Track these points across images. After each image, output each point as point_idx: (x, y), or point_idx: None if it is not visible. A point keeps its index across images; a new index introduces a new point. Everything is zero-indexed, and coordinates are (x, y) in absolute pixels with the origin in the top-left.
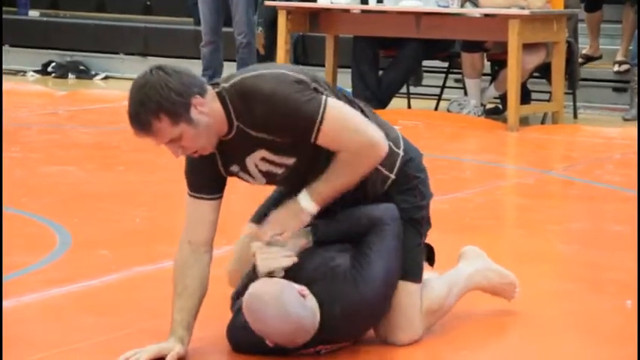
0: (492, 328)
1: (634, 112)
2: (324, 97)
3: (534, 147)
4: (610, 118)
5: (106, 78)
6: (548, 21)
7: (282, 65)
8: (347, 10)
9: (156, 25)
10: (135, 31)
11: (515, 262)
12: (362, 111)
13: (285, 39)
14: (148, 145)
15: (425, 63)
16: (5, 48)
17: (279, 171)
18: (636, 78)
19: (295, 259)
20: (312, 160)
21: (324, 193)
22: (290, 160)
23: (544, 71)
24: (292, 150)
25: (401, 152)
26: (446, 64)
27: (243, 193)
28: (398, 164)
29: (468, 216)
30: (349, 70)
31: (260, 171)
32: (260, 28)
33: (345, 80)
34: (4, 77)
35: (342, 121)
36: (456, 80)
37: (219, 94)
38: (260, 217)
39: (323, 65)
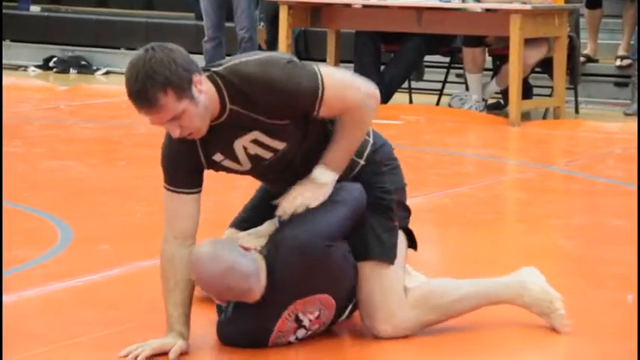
0: (491, 322)
1: (635, 106)
2: (315, 67)
3: (536, 142)
4: (611, 113)
5: (107, 73)
6: (549, 16)
7: (263, 52)
8: (348, 5)
9: (157, 20)
10: (136, 26)
11: (517, 257)
12: None
13: (287, 34)
14: (149, 140)
15: (426, 58)
16: (6, 43)
17: (268, 155)
18: (637, 73)
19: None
20: (300, 149)
21: (338, 158)
22: (281, 145)
23: (546, 66)
24: (285, 134)
25: (370, 140)
26: (447, 59)
27: (244, 192)
28: (367, 151)
29: (469, 211)
30: (351, 64)
31: (248, 154)
32: (262, 23)
33: None
34: (6, 72)
35: (340, 82)
36: (458, 75)
37: (211, 78)
38: (240, 223)
39: (325, 60)
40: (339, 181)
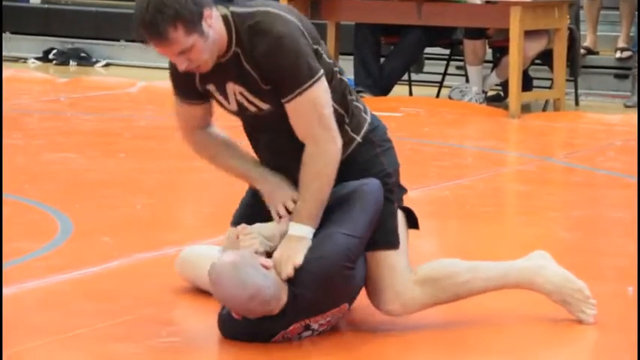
0: (491, 314)
1: (635, 98)
2: (320, 73)
3: (536, 134)
4: (611, 105)
5: (107, 65)
6: (549, 8)
7: (290, 9)
8: None
9: None
10: None
11: (517, 249)
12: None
13: None
14: (149, 133)
15: (426, 50)
16: (6, 35)
17: (252, 109)
18: (636, 64)
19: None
20: (281, 118)
21: (307, 211)
22: (264, 105)
23: (546, 58)
24: (269, 98)
25: (368, 119)
26: (447, 51)
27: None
28: (364, 129)
29: (469, 203)
30: (351, 57)
31: (236, 99)
32: None
33: (346, 67)
34: (5, 64)
35: (322, 102)
36: (458, 67)
37: (225, 17)
38: (239, 222)
39: None
40: (342, 163)
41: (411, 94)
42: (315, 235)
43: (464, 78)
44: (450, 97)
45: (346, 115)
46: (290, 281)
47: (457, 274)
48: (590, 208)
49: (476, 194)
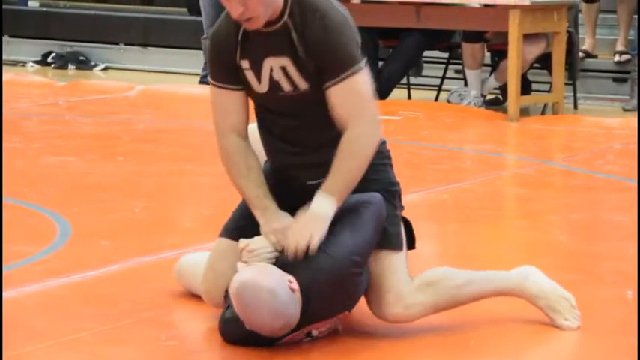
0: (492, 318)
1: (634, 102)
2: (365, 63)
3: (534, 137)
4: (610, 109)
5: (106, 69)
6: (548, 11)
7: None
8: (347, 1)
9: (156, 16)
10: (135, 21)
11: (516, 253)
12: None
13: None
14: (148, 136)
15: (425, 53)
16: (5, 38)
17: (287, 88)
18: (636, 68)
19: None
20: (313, 106)
21: (339, 184)
22: (303, 85)
23: (544, 62)
24: (311, 77)
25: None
26: (446, 55)
27: None
28: None
29: (468, 206)
30: None
31: (271, 77)
32: None
33: None
34: (4, 68)
35: (366, 90)
36: (457, 71)
37: None
38: (230, 232)
39: None
40: None
41: (409, 97)
42: (323, 242)
43: (462, 81)
44: (448, 101)
45: None
46: (303, 291)
47: (454, 276)
48: (589, 211)
49: (475, 198)
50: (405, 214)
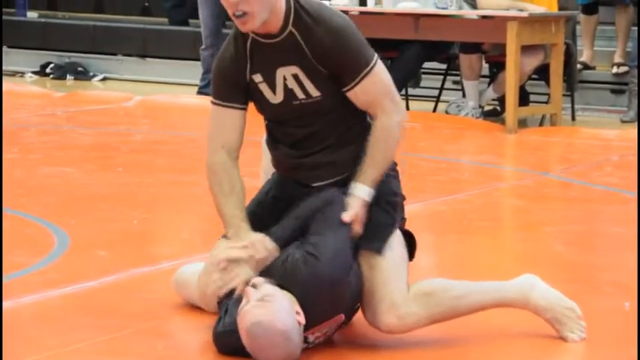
0: (492, 330)
1: (632, 114)
2: (376, 55)
3: (532, 149)
4: (608, 120)
5: (104, 79)
6: (546, 23)
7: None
8: (345, 12)
9: (154, 27)
10: (133, 32)
11: (514, 264)
12: None
13: None
14: (146, 147)
15: (423, 65)
16: (3, 49)
17: (301, 96)
18: (635, 80)
19: (253, 275)
20: (329, 113)
21: (372, 175)
22: (315, 92)
23: (542, 73)
24: (323, 84)
25: None
26: (444, 66)
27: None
28: None
29: (466, 218)
30: None
31: (285, 86)
32: None
33: None
34: (3, 79)
35: (384, 81)
36: (455, 82)
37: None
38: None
39: None
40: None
41: (407, 108)
42: (307, 246)
43: (461, 93)
44: (446, 112)
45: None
46: (294, 295)
47: (451, 288)
48: (587, 223)
49: (473, 209)
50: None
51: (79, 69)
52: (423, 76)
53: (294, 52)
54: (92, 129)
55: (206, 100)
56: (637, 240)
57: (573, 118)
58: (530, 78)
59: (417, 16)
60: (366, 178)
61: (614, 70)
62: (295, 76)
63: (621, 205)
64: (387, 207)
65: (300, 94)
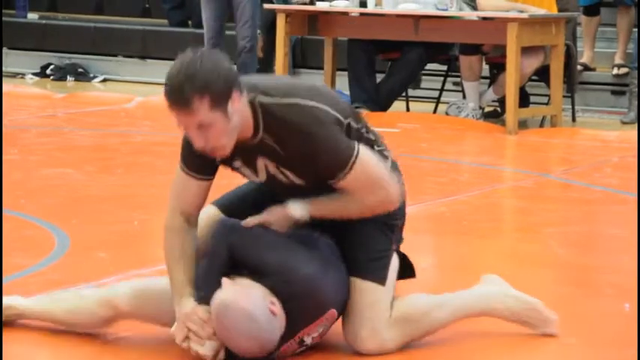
0: (490, 331)
1: (632, 115)
2: (357, 145)
3: (533, 150)
4: (608, 122)
5: (104, 80)
6: (546, 24)
7: (317, 88)
8: (345, 14)
9: (154, 28)
10: (133, 33)
11: (513, 266)
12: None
13: (284, 42)
14: (146, 148)
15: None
16: (4, 50)
17: (284, 180)
18: (635, 81)
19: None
20: (318, 190)
21: (323, 208)
22: (298, 180)
23: (543, 74)
24: (305, 174)
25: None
26: (445, 67)
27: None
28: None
29: (466, 219)
30: (346, 72)
31: (267, 172)
32: (259, 32)
33: (343, 83)
34: (3, 80)
35: (368, 174)
36: (455, 83)
37: (252, 104)
38: (226, 205)
39: (321, 68)
40: None
41: (408, 109)
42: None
43: (461, 94)
44: (446, 113)
45: None
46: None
47: (430, 310)
48: (587, 224)
49: (473, 210)
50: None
51: (80, 70)
52: (424, 77)
53: (272, 153)
54: (92, 130)
55: None
56: (637, 242)
57: (574, 120)
58: (530, 79)
59: (417, 18)
60: (313, 201)
61: (615, 71)
62: (276, 167)
63: (621, 206)
64: (386, 231)
65: (284, 179)
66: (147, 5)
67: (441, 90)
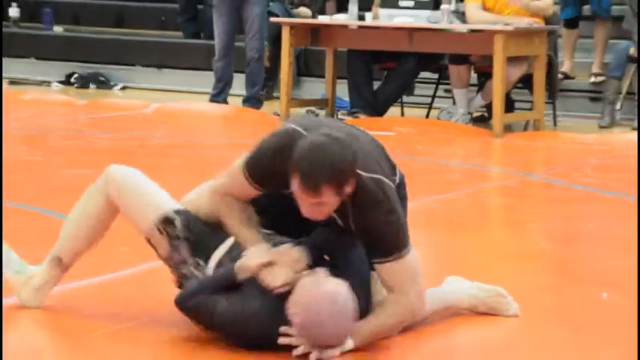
0: (476, 318)
1: (607, 119)
2: (410, 246)
3: (517, 152)
4: (587, 126)
5: (123, 88)
6: (530, 36)
7: (376, 160)
8: (345, 26)
9: (170, 40)
10: (150, 44)
11: (500, 259)
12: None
13: (289, 52)
14: (163, 151)
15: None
16: (31, 60)
17: (327, 219)
18: (610, 89)
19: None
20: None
21: (364, 332)
22: (339, 221)
23: (526, 82)
24: (352, 227)
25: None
26: (436, 76)
27: None
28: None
29: (456, 215)
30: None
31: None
32: (266, 43)
33: (343, 90)
34: (30, 87)
35: (411, 273)
36: (446, 90)
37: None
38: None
39: (323, 77)
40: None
41: (402, 114)
42: None
43: (451, 100)
44: (438, 118)
45: None
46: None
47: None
48: (568, 220)
49: (462, 207)
50: None
51: (101, 78)
52: (417, 85)
53: (340, 207)
54: (112, 134)
55: (218, 107)
56: (637, 241)
57: (555, 124)
58: (515, 87)
59: (411, 30)
60: (356, 332)
61: (592, 79)
62: (334, 212)
63: (599, 204)
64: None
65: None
66: (163, 18)
67: (433, 97)
